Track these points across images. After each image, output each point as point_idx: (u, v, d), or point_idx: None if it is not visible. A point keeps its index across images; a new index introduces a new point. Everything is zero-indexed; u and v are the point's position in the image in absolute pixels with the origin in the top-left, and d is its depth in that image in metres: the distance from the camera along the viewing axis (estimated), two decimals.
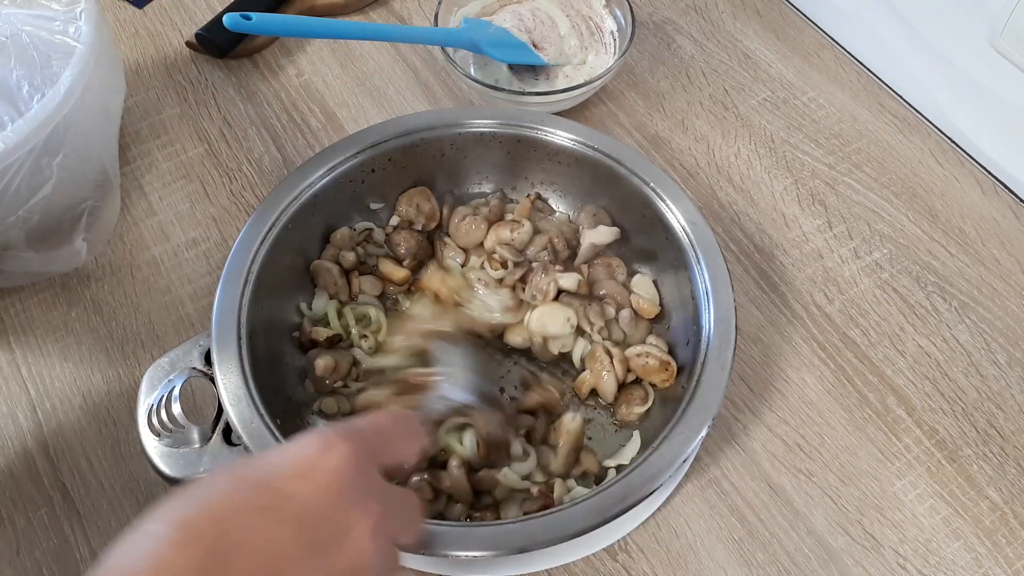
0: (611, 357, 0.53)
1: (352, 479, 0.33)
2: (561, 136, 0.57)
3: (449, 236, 0.60)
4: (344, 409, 0.53)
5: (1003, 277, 0.61)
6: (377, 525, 0.33)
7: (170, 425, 0.45)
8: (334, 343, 0.55)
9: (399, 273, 0.58)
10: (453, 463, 0.49)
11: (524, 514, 0.47)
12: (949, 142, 0.69)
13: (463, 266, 0.59)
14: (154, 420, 0.45)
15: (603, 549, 0.51)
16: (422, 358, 0.52)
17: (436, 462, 0.51)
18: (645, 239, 0.57)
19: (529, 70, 0.71)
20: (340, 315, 0.56)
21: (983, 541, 0.51)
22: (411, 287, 0.58)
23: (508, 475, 0.49)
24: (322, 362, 0.52)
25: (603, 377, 0.53)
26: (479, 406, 0.50)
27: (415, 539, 0.38)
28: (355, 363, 0.54)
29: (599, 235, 0.57)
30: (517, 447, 0.50)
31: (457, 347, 0.52)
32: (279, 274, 0.53)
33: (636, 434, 0.52)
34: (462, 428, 0.51)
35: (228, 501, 0.31)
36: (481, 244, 0.59)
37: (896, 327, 0.59)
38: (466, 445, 0.50)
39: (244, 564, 0.29)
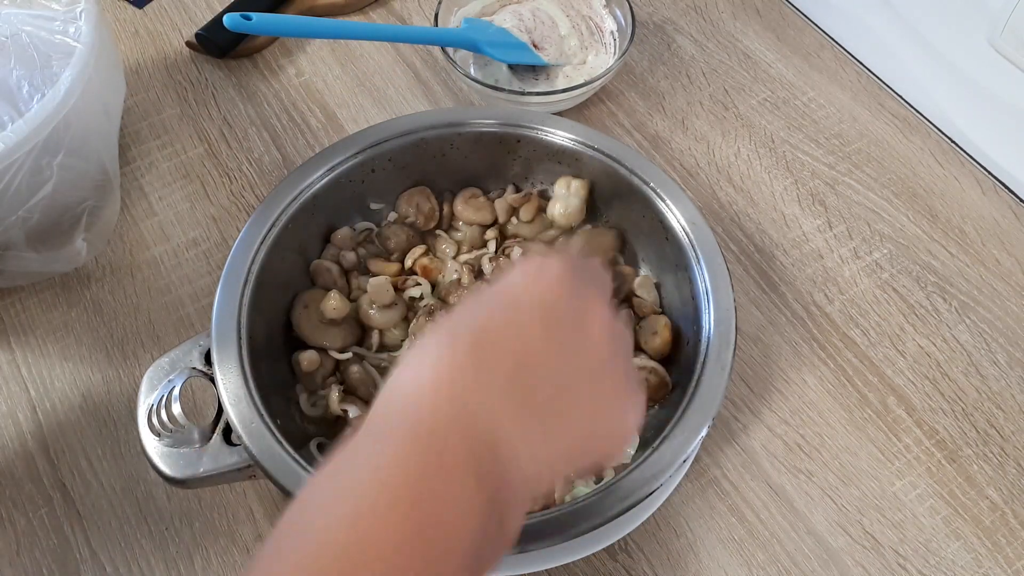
0: None
1: (574, 277, 0.36)
2: (561, 136, 0.57)
3: (455, 213, 0.61)
4: (333, 410, 0.53)
5: (1003, 277, 0.61)
6: (610, 310, 0.37)
7: (170, 425, 0.45)
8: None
9: (391, 268, 0.58)
10: None
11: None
12: (949, 142, 0.69)
13: (454, 258, 0.59)
14: (154, 420, 0.45)
15: (603, 549, 0.51)
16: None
17: None
18: (645, 239, 0.57)
19: (529, 70, 0.71)
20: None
21: (983, 541, 0.51)
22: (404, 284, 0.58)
23: None
24: (307, 357, 0.53)
25: None
26: None
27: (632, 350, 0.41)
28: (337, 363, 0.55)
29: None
30: None
31: None
32: (279, 274, 0.53)
33: (634, 438, 0.52)
34: None
35: (479, 312, 0.35)
36: (487, 225, 0.60)
37: (896, 327, 0.59)
38: None
39: (505, 361, 0.33)
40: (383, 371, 0.54)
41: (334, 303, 0.54)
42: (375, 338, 0.55)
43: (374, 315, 0.55)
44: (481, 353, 0.33)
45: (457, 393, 0.32)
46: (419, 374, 0.32)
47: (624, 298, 0.57)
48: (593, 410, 0.35)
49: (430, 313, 0.55)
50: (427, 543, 0.27)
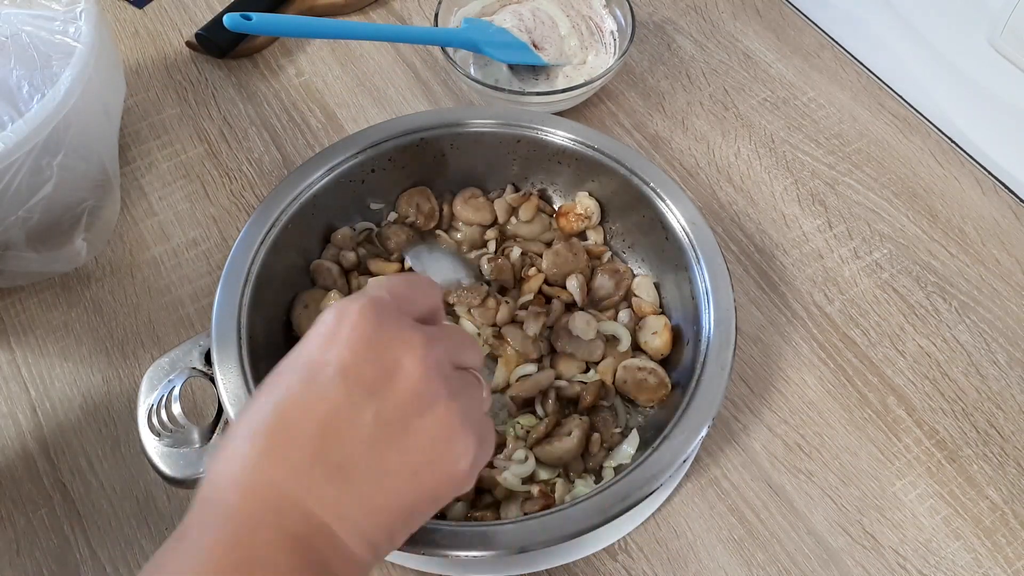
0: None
1: (377, 323, 0.35)
2: (561, 136, 0.57)
3: (455, 213, 0.61)
4: None
5: (1003, 277, 0.61)
6: (424, 350, 0.35)
7: (170, 425, 0.45)
8: None
9: (390, 268, 0.58)
10: None
11: (524, 514, 0.47)
12: (949, 142, 0.69)
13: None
14: (154, 420, 0.45)
15: (603, 549, 0.51)
16: None
17: None
18: (645, 239, 0.57)
19: (529, 70, 0.71)
20: None
21: (983, 541, 0.51)
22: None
23: (508, 479, 0.49)
24: None
25: None
26: (469, 283, 0.55)
27: (479, 358, 0.39)
28: None
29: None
30: (520, 453, 0.50)
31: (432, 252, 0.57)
32: (279, 274, 0.53)
33: (634, 432, 0.52)
34: None
35: (277, 390, 0.34)
36: (487, 225, 0.60)
37: (896, 327, 0.59)
38: None
39: (307, 430, 0.33)
40: None
41: (333, 303, 0.54)
42: None
43: None
44: (282, 429, 0.33)
45: (263, 477, 0.32)
46: (229, 465, 0.33)
47: (624, 297, 0.57)
48: (414, 458, 0.34)
49: None
50: None
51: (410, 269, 0.58)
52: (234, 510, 0.31)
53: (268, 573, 0.31)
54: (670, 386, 0.52)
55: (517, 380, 0.53)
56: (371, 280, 0.49)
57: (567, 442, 0.50)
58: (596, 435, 0.51)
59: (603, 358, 0.54)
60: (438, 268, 0.57)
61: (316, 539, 0.32)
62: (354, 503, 0.33)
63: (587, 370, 0.55)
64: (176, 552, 0.31)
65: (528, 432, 0.51)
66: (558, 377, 0.54)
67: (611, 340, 0.55)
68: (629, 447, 0.51)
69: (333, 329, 0.35)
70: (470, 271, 0.58)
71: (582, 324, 0.54)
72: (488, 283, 0.57)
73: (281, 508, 0.32)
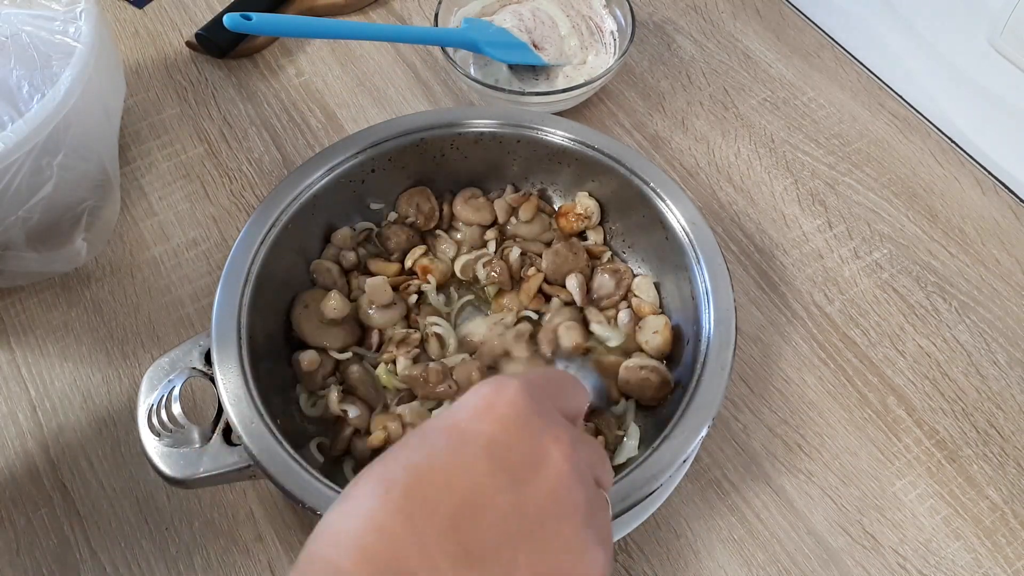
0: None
1: (533, 410, 0.33)
2: (561, 136, 0.57)
3: (455, 213, 0.61)
4: (333, 410, 0.53)
5: (1003, 277, 0.61)
6: (572, 450, 0.33)
7: (170, 425, 0.45)
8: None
9: (391, 268, 0.58)
10: None
11: None
12: (949, 142, 0.69)
13: (453, 260, 0.59)
14: (154, 420, 0.45)
15: None
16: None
17: None
18: (645, 239, 0.57)
19: (529, 70, 0.71)
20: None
21: (983, 541, 0.51)
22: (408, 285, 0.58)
23: None
24: (307, 357, 0.53)
25: None
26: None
27: (611, 480, 0.37)
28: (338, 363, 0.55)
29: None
30: None
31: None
32: (279, 274, 0.53)
33: (633, 426, 0.52)
34: None
35: (419, 451, 0.31)
36: (487, 226, 0.60)
37: (896, 327, 0.59)
38: None
39: (445, 502, 0.30)
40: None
41: (334, 303, 0.54)
42: (375, 338, 0.55)
43: (373, 315, 0.55)
44: (420, 493, 0.30)
45: (388, 544, 0.28)
46: (350, 521, 0.29)
47: (623, 296, 0.57)
48: (544, 563, 0.31)
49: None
50: None
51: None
52: None
53: None
54: (673, 384, 0.52)
55: None
56: (528, 371, 0.46)
57: None
58: (601, 437, 0.51)
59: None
60: None
61: None
62: None
63: None
64: None
65: None
66: None
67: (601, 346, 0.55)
68: (632, 441, 0.51)
69: (489, 401, 0.33)
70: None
71: (570, 342, 0.54)
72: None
73: None
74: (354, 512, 0.29)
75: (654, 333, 0.54)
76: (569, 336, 0.54)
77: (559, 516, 0.31)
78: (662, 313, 0.56)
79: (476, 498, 0.30)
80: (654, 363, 0.53)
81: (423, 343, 0.55)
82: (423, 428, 0.33)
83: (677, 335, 0.54)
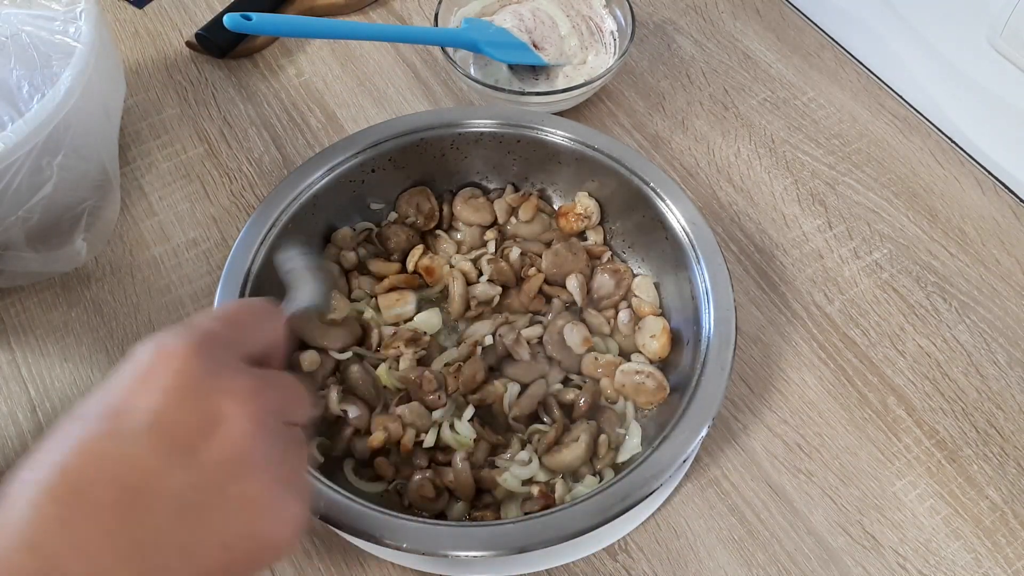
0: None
1: (203, 367, 0.30)
2: (561, 136, 0.57)
3: (455, 213, 0.61)
4: (333, 410, 0.53)
5: (1003, 277, 0.61)
6: (252, 402, 0.30)
7: None
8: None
9: (391, 268, 0.58)
10: (459, 456, 0.49)
11: (524, 514, 0.47)
12: (949, 142, 0.69)
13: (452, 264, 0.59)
14: None
15: (603, 549, 0.51)
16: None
17: (436, 459, 0.51)
18: (645, 239, 0.57)
19: (529, 70, 0.71)
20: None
21: (983, 541, 0.51)
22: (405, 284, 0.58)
23: (508, 479, 0.49)
24: (306, 358, 0.53)
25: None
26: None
27: (308, 411, 0.35)
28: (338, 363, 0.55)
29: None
30: (524, 455, 0.50)
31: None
32: (279, 274, 0.53)
33: (635, 424, 0.52)
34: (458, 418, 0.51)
35: (71, 442, 0.28)
36: (487, 226, 0.60)
37: (896, 327, 0.59)
38: (464, 433, 0.50)
39: (104, 498, 0.27)
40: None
41: (335, 304, 0.54)
42: (375, 338, 0.55)
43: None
44: (75, 494, 0.27)
45: (43, 562, 0.26)
46: (4, 532, 0.27)
47: (623, 296, 0.57)
48: (230, 530, 0.29)
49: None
50: None
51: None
52: None
53: None
54: (668, 388, 0.52)
55: (516, 399, 0.53)
56: (202, 311, 0.42)
57: (575, 448, 0.50)
58: (603, 436, 0.51)
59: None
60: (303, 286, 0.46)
61: None
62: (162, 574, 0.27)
63: (566, 378, 0.55)
64: None
65: (536, 437, 0.51)
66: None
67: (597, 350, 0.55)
68: (634, 439, 0.51)
69: (147, 369, 0.29)
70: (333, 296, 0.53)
71: (577, 338, 0.54)
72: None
73: None
74: (9, 530, 0.27)
75: (651, 337, 0.54)
76: (573, 336, 0.54)
77: (241, 477, 0.29)
78: (661, 315, 0.56)
79: (142, 484, 0.27)
80: (650, 368, 0.53)
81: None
82: (77, 413, 0.30)
83: (676, 339, 0.54)
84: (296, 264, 0.45)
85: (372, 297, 0.57)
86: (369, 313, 0.57)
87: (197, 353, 0.30)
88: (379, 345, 0.55)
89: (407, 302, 0.56)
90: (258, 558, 0.30)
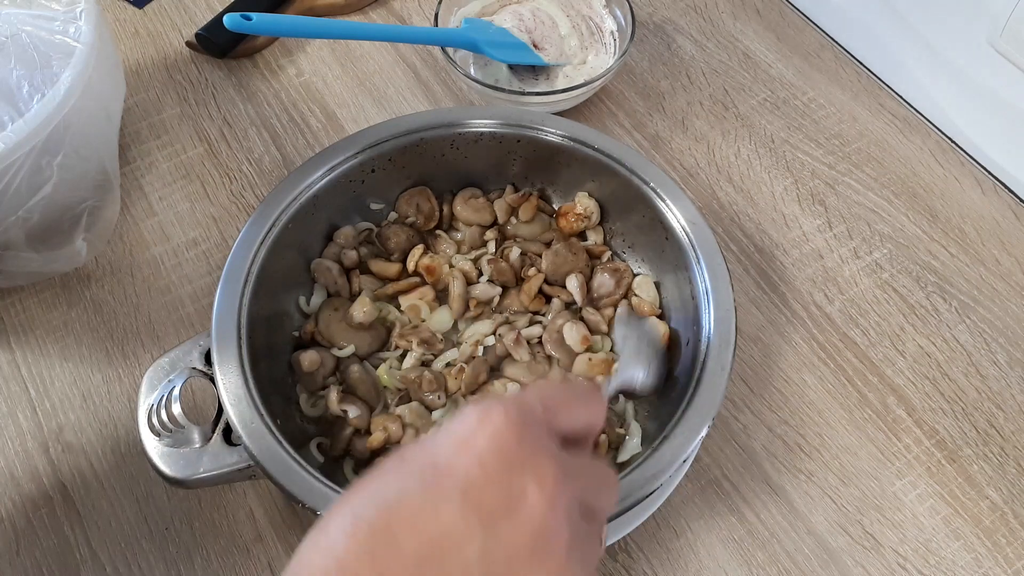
0: None
1: (516, 443, 0.31)
2: (561, 136, 0.57)
3: (455, 214, 0.61)
4: (333, 410, 0.53)
5: (1003, 277, 0.61)
6: (556, 488, 0.31)
7: (170, 425, 0.45)
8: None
9: (392, 268, 0.58)
10: None
11: None
12: (949, 142, 0.69)
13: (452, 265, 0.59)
14: (154, 420, 0.45)
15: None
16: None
17: None
18: (645, 239, 0.57)
19: (529, 70, 0.71)
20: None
21: (983, 541, 0.51)
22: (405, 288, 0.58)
23: None
24: (307, 357, 0.53)
25: None
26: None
27: (612, 507, 0.35)
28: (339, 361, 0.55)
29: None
30: None
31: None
32: (279, 274, 0.53)
33: (635, 424, 0.52)
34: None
35: (392, 487, 0.30)
36: (487, 226, 0.60)
37: (896, 327, 0.59)
38: None
39: (411, 544, 0.29)
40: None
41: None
42: (394, 341, 0.55)
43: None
44: (386, 536, 0.29)
45: None
46: (320, 556, 0.29)
47: (624, 295, 0.57)
48: None
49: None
50: None
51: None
52: None
53: None
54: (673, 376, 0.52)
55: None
56: (535, 384, 0.44)
57: None
58: (603, 436, 0.51)
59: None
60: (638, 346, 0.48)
61: None
62: None
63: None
64: None
65: None
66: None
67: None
68: (634, 439, 0.51)
69: (470, 433, 0.31)
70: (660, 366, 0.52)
71: (576, 337, 0.54)
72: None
73: None
74: (323, 547, 0.29)
75: None
76: (572, 334, 0.54)
77: (532, 563, 0.30)
78: (662, 317, 0.56)
79: (443, 542, 0.29)
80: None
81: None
82: (403, 456, 0.32)
83: (676, 339, 0.54)
84: (631, 332, 0.46)
85: (393, 298, 0.57)
86: (393, 314, 0.57)
87: (516, 428, 0.31)
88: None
89: (428, 297, 0.57)
90: None
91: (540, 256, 0.58)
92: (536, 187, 0.61)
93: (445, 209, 0.61)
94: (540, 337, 0.55)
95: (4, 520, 0.53)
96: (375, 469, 0.32)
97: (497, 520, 0.30)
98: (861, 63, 0.74)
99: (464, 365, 0.53)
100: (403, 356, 0.55)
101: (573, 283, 0.57)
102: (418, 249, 0.58)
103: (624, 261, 0.59)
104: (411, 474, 0.31)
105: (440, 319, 0.56)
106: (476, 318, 0.57)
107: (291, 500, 0.43)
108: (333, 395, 0.52)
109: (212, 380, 0.47)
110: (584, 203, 0.59)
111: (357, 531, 0.29)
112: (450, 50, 0.67)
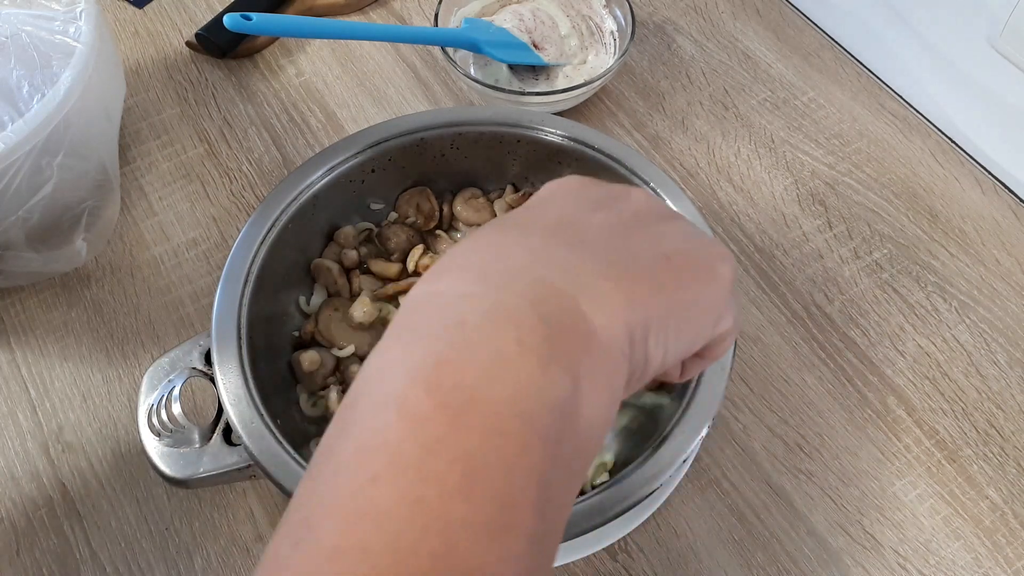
0: None
1: (600, 185, 0.33)
2: (561, 136, 0.57)
3: (455, 214, 0.60)
4: (333, 410, 0.52)
5: (1003, 277, 0.61)
6: (648, 195, 0.33)
7: (170, 425, 0.45)
8: None
9: (392, 268, 0.58)
10: None
11: None
12: (949, 142, 0.69)
13: None
14: (154, 420, 0.45)
15: (603, 549, 0.51)
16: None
17: None
18: None
19: (529, 70, 0.71)
20: None
21: (983, 541, 0.51)
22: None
23: None
24: (307, 357, 0.53)
25: None
26: None
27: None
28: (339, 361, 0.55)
29: None
30: None
31: None
32: (279, 274, 0.53)
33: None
34: None
35: (510, 216, 0.31)
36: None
37: (896, 327, 0.59)
38: None
39: (542, 223, 0.30)
40: None
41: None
42: None
43: None
44: (520, 226, 0.29)
45: (505, 260, 0.27)
46: (453, 262, 0.28)
47: None
48: (665, 245, 0.30)
49: None
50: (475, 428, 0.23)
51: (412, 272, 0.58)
52: (475, 286, 0.27)
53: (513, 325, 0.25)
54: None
55: None
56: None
57: None
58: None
59: None
60: None
61: (559, 314, 0.26)
62: (598, 273, 0.27)
63: None
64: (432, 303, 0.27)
65: None
66: None
67: None
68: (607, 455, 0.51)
69: (552, 186, 0.33)
70: None
71: None
72: None
73: (519, 282, 0.26)
74: (467, 247, 0.29)
75: None
76: None
77: (661, 219, 0.31)
78: None
79: (569, 218, 0.30)
80: None
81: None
82: (494, 225, 0.32)
83: None
84: None
85: (393, 298, 0.57)
86: (393, 315, 0.57)
87: (590, 179, 0.33)
88: None
89: None
90: (699, 290, 0.30)
91: None
92: (536, 187, 0.61)
93: (445, 209, 0.61)
94: None
95: (4, 520, 0.53)
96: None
97: (611, 203, 0.31)
98: (861, 63, 0.74)
99: None
100: None
101: None
102: (418, 249, 0.58)
103: None
104: (514, 215, 0.31)
105: None
106: None
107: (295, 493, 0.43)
108: (333, 395, 0.52)
109: (212, 380, 0.47)
110: None
111: (491, 230, 0.30)
112: (450, 50, 0.67)
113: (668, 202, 0.54)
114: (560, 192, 0.32)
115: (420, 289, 0.28)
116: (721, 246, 0.32)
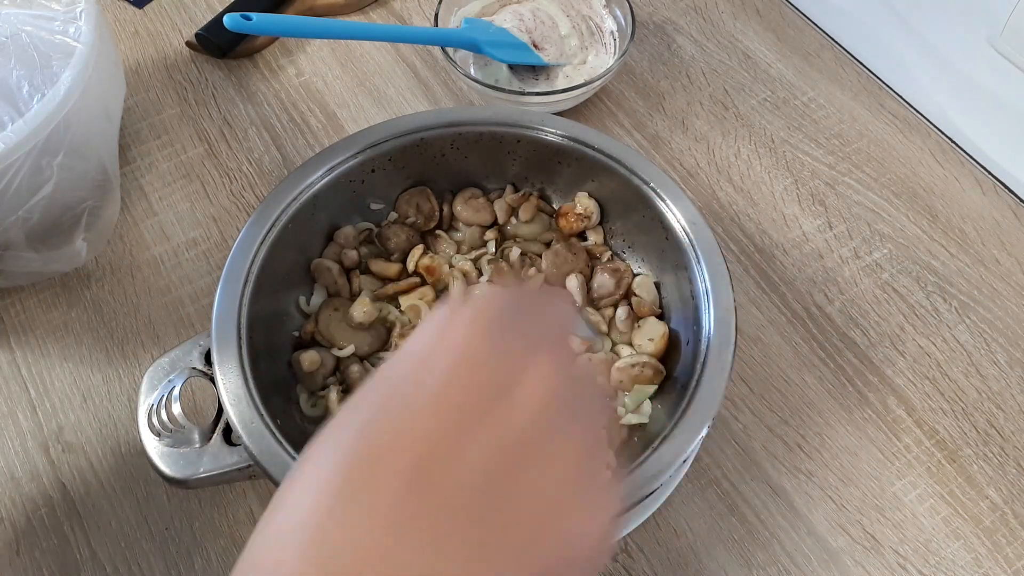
0: None
1: (496, 323, 0.27)
2: (561, 136, 0.57)
3: (455, 214, 0.61)
4: (333, 410, 0.53)
5: (1003, 277, 0.61)
6: (553, 361, 0.27)
7: (170, 425, 0.45)
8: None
9: (392, 268, 0.58)
10: None
11: None
12: (949, 142, 0.69)
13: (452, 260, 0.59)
14: (154, 420, 0.45)
15: None
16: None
17: None
18: (645, 239, 0.57)
19: (529, 70, 0.71)
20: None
21: (983, 541, 0.51)
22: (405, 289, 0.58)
23: None
24: (307, 357, 0.53)
25: None
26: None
27: (614, 432, 0.32)
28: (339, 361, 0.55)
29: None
30: None
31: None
32: (279, 274, 0.53)
33: (647, 402, 0.52)
34: None
35: (368, 399, 0.27)
36: (487, 226, 0.60)
37: (896, 327, 0.59)
38: None
39: (398, 465, 0.24)
40: None
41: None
42: (395, 340, 0.55)
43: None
44: (367, 464, 0.25)
45: (330, 548, 0.24)
46: (287, 517, 0.25)
47: (624, 295, 0.57)
48: (539, 503, 0.25)
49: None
50: None
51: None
52: None
53: None
54: (665, 372, 0.52)
55: None
56: (490, 289, 0.43)
57: None
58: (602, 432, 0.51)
59: None
60: None
61: None
62: (459, 565, 0.24)
63: None
64: None
65: None
66: None
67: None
68: (641, 416, 0.51)
69: (441, 332, 0.27)
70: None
71: (575, 337, 0.54)
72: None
73: None
74: (293, 505, 0.25)
75: (649, 340, 0.54)
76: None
77: (545, 438, 0.26)
78: (661, 317, 0.56)
79: (439, 448, 0.25)
80: (644, 358, 0.53)
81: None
82: (378, 370, 0.28)
83: (676, 339, 0.54)
84: None
85: (393, 298, 0.57)
86: (393, 314, 0.57)
87: (488, 311, 0.28)
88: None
89: (428, 297, 0.57)
90: (566, 554, 0.26)
91: (540, 256, 0.58)
92: (536, 187, 0.61)
93: (445, 209, 0.61)
94: None
95: (4, 520, 0.53)
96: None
97: (497, 401, 0.26)
98: (861, 63, 0.74)
99: None
100: None
101: (573, 283, 0.57)
102: (418, 249, 0.58)
103: (624, 261, 0.59)
104: (390, 383, 0.27)
105: None
106: None
107: None
108: (333, 395, 0.52)
109: (212, 380, 0.47)
110: (584, 203, 0.59)
111: (334, 465, 0.25)
112: (450, 50, 0.67)
113: (668, 203, 0.54)
114: (438, 370, 0.26)
115: (254, 554, 0.25)
116: (602, 472, 0.28)
